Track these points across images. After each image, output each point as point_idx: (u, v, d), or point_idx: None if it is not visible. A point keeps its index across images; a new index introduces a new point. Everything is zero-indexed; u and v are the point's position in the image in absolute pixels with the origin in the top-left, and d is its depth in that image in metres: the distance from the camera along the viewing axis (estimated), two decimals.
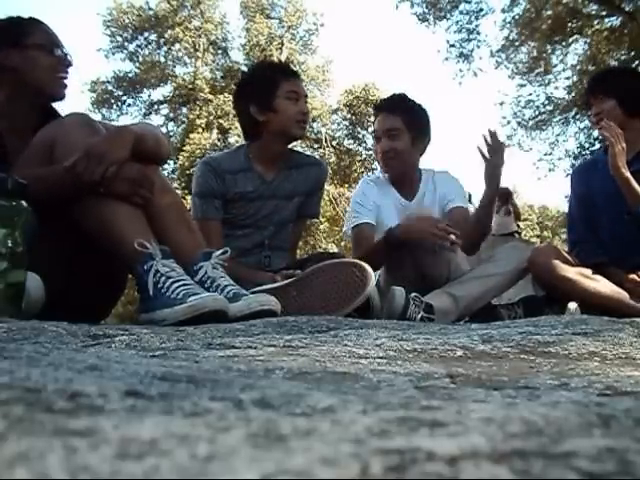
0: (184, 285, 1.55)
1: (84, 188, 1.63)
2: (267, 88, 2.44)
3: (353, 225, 2.65)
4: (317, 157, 2.80)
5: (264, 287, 1.92)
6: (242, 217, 2.46)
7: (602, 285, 2.36)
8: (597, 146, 12.49)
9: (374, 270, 2.72)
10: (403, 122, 2.64)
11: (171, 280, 1.55)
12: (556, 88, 13.66)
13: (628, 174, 2.35)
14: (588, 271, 2.41)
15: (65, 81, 2.02)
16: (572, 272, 2.39)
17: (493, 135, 2.46)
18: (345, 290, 1.91)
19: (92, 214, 1.66)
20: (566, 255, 2.51)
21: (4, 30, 1.98)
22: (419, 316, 2.16)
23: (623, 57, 12.40)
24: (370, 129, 18.27)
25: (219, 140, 17.45)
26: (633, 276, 2.38)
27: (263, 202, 2.47)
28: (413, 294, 2.19)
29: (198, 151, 16.22)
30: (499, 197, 9.82)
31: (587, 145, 13.22)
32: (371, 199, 2.65)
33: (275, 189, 2.49)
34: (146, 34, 18.67)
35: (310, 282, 1.92)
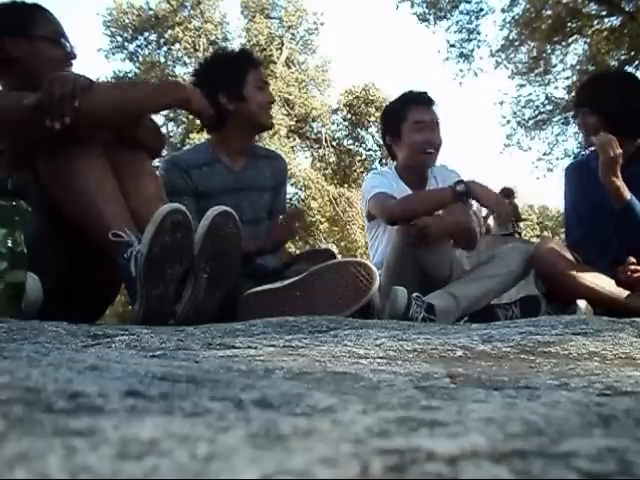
0: None
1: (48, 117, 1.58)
2: (237, 76, 2.36)
3: (373, 194, 2.57)
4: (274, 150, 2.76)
5: (267, 287, 1.91)
6: None
7: (604, 282, 2.36)
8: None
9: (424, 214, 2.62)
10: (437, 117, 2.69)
11: None
12: (556, 88, 13.68)
13: (619, 183, 2.29)
14: (589, 267, 2.40)
15: None
16: (574, 268, 2.38)
17: None
18: (351, 289, 1.89)
19: (71, 199, 1.65)
20: (568, 251, 2.50)
21: (9, 17, 1.94)
22: (421, 316, 2.15)
23: (623, 57, 12.40)
24: (370, 129, 18.28)
25: None
26: (623, 267, 2.35)
27: (234, 196, 2.34)
28: (415, 294, 2.19)
29: None
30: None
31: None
32: (387, 184, 2.61)
33: (245, 180, 2.40)
34: (146, 34, 18.66)
35: (314, 282, 1.90)
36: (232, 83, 2.35)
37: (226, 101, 2.35)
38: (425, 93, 2.76)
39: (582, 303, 2.37)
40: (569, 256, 2.44)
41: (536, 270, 2.48)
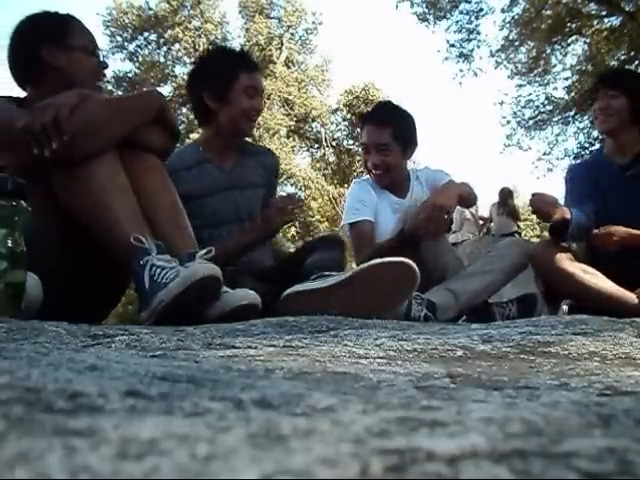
0: (178, 270, 1.54)
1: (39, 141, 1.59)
2: (225, 77, 2.33)
3: (352, 221, 2.60)
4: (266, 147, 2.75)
5: (309, 287, 1.86)
6: (203, 217, 2.24)
7: (602, 281, 2.37)
8: (597, 146, 12.49)
9: None
10: (391, 135, 2.60)
11: (165, 270, 1.54)
12: (555, 88, 13.69)
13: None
14: (588, 267, 2.41)
15: (100, 84, 2.02)
16: (572, 266, 2.39)
17: None
18: (395, 289, 1.87)
19: (86, 204, 1.64)
20: (567, 250, 2.51)
21: (46, 26, 1.94)
22: (422, 314, 2.16)
23: (623, 57, 12.40)
24: None
25: None
26: (597, 232, 2.41)
27: (224, 194, 2.34)
28: (414, 293, 2.19)
29: None
30: (501, 197, 9.78)
31: (587, 145, 13.23)
32: (368, 198, 2.63)
33: (235, 178, 2.38)
34: (146, 34, 18.64)
35: (358, 281, 1.86)
36: (218, 84, 2.33)
37: (210, 100, 2.33)
38: (373, 111, 2.77)
39: (564, 305, 2.40)
40: (569, 255, 2.45)
41: (533, 268, 2.49)
